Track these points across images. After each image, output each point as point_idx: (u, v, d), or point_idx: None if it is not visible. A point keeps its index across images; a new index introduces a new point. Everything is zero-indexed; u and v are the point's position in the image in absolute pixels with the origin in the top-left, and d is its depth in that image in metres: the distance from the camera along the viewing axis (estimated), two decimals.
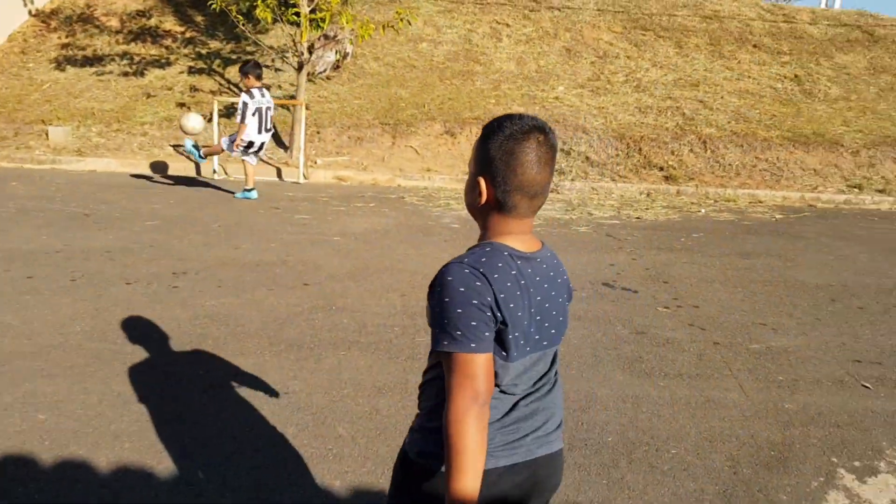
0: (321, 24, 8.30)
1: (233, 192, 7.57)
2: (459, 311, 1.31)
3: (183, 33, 11.79)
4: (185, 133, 7.34)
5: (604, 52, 11.83)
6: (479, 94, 10.55)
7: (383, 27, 8.28)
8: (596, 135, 9.43)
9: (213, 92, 10.38)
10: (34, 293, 4.14)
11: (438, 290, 1.34)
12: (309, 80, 10.66)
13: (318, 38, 10.92)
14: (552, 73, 11.23)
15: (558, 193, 8.50)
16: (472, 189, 1.46)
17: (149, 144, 9.27)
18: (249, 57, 11.14)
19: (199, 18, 12.11)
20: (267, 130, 7.25)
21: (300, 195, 7.72)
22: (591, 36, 12.20)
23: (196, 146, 7.37)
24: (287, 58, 10.42)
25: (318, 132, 9.47)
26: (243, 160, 7.31)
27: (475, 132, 9.55)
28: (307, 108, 8.85)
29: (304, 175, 8.51)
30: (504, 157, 1.39)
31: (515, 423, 1.43)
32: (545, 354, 1.46)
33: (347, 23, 8.15)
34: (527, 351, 1.41)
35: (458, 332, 1.30)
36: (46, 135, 9.32)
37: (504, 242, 1.43)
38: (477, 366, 1.30)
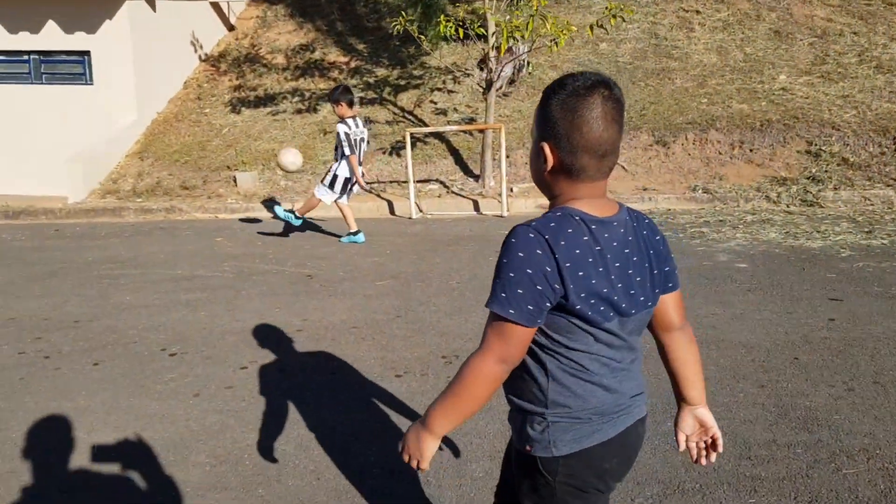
0: (517, 35, 7.19)
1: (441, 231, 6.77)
2: (512, 275, 1.31)
3: (347, 63, 11.35)
4: (284, 169, 6.51)
5: (822, 31, 10.06)
6: (683, 93, 9.19)
7: (591, 27, 7.14)
8: (850, 130, 7.79)
9: (388, 122, 9.77)
10: (307, 402, 3.39)
11: (503, 249, 1.34)
12: (484, 99, 9.81)
13: (492, 52, 10.05)
14: (764, 61, 9.64)
15: (821, 208, 6.97)
16: (536, 157, 1.41)
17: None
18: (418, 81, 10.48)
19: (360, 46, 11.65)
20: (360, 164, 6.33)
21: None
22: (801, 13, 10.44)
23: (289, 210, 6.54)
24: (462, 76, 9.62)
25: (507, 155, 8.53)
26: (337, 203, 6.40)
27: (692, 139, 8.23)
28: (493, 130, 7.96)
29: (506, 207, 7.57)
30: (568, 117, 1.33)
31: (623, 389, 1.43)
32: (631, 321, 1.41)
33: (548, 28, 7.04)
34: (610, 316, 1.37)
35: (504, 295, 1.31)
36: (234, 181, 9.06)
37: (576, 207, 1.36)
38: (512, 332, 1.32)
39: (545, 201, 7.08)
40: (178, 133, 10.34)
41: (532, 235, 1.31)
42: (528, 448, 1.41)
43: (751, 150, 7.87)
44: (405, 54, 11.21)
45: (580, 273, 1.31)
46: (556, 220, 1.33)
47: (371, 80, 10.78)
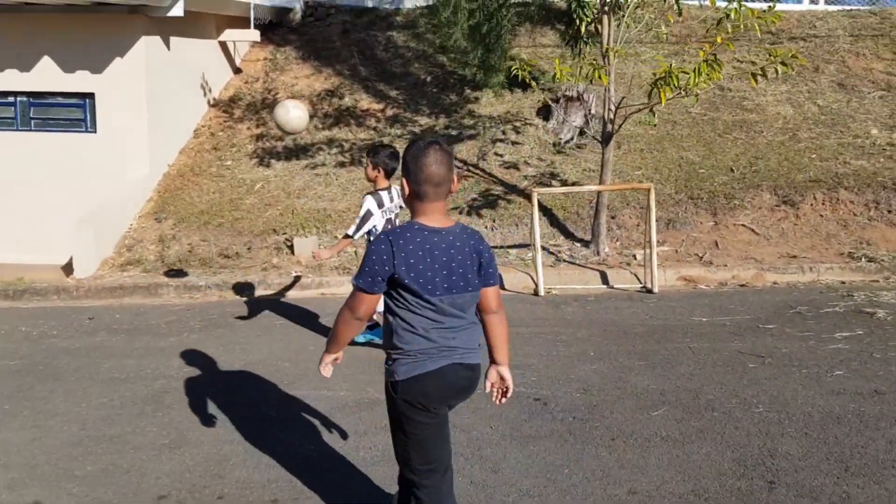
0: (670, 88, 6.12)
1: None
2: (366, 262, 2.30)
3: (383, 111, 10.22)
4: (288, 129, 5.01)
5: (886, 84, 9.84)
6: (782, 148, 8.59)
7: (754, 75, 6.20)
8: None
9: (466, 175, 8.66)
10: None
11: (367, 247, 2.57)
12: (558, 152, 8.91)
13: (559, 100, 9.21)
14: (841, 114, 9.25)
15: None
16: (403, 189, 2.37)
17: None
18: (472, 131, 9.48)
19: (393, 93, 10.56)
20: None
21: (684, 314, 5.76)
22: (859, 66, 10.24)
23: (371, 328, 5.11)
24: (521, 126, 8.70)
25: (613, 216, 7.59)
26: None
27: (821, 199, 7.57)
28: (593, 186, 6.96)
29: (648, 281, 6.50)
30: (415, 161, 2.30)
31: (443, 342, 2.31)
32: (457, 298, 2.31)
33: (693, 81, 6.11)
34: (437, 293, 2.27)
35: (359, 275, 2.31)
36: (289, 248, 7.65)
37: (419, 220, 2.32)
38: (361, 299, 2.31)
39: (688, 271, 5.62)
40: (200, 189, 8.82)
41: (383, 237, 2.30)
42: (386, 376, 2.41)
43: (889, 212, 7.29)
44: (447, 102, 10.21)
45: (411, 260, 2.24)
46: (403, 228, 2.33)
47: (416, 130, 9.68)
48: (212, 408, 4.14)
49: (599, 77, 6.46)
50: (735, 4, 6.29)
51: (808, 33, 10.97)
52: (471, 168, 8.80)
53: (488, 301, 2.42)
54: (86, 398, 4.34)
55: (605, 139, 6.99)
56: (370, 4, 12.53)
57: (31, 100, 8.75)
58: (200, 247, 7.80)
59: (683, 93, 6.19)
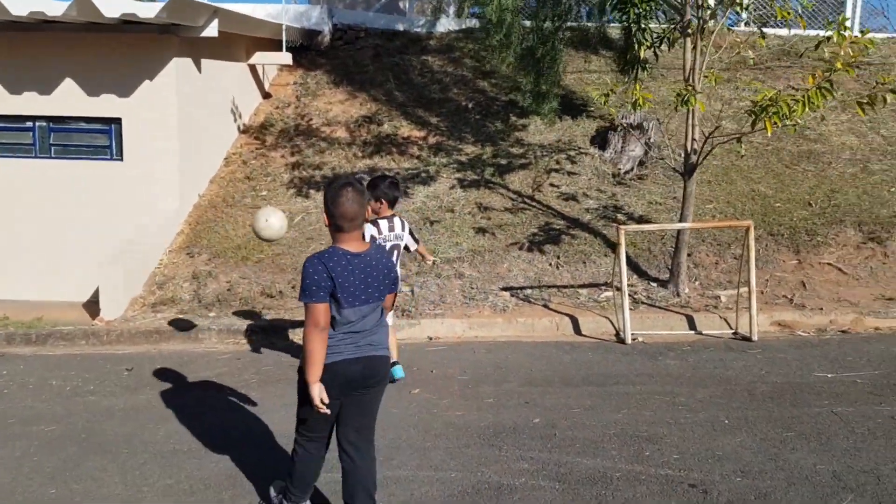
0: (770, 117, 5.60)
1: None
2: (308, 281, 2.74)
3: (425, 138, 9.68)
4: (263, 237, 4.72)
5: None
6: (857, 180, 8.09)
7: (861, 105, 5.73)
8: None
9: (507, 209, 8.09)
10: None
11: (303, 270, 2.79)
12: (618, 183, 8.37)
13: (617, 130, 8.70)
14: None
15: None
16: (326, 222, 2.91)
17: (470, 289, 6.89)
18: (523, 160, 8.95)
19: (434, 119, 10.04)
20: None
21: (802, 369, 5.16)
22: None
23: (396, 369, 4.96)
24: (577, 155, 8.16)
25: (689, 254, 7.02)
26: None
27: None
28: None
29: (741, 327, 5.93)
30: (333, 200, 2.82)
31: (358, 340, 2.86)
32: (373, 307, 2.88)
33: (797, 110, 5.61)
34: (356, 304, 2.81)
35: (306, 293, 2.74)
36: None
37: (340, 246, 2.84)
38: (318, 310, 2.74)
39: (781, 315, 6.27)
40: (235, 221, 8.20)
41: (317, 260, 2.78)
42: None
43: None
44: (492, 129, 9.69)
45: (339, 279, 2.76)
46: (330, 252, 2.81)
47: (463, 159, 9.14)
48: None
49: (685, 103, 5.95)
50: (832, 32, 5.87)
51: (861, 60, 10.57)
52: (526, 200, 8.24)
53: (387, 302, 3.01)
54: (145, 479, 3.67)
55: (689, 171, 6.44)
56: (401, 27, 12.07)
57: (51, 125, 8.12)
58: (240, 284, 7.15)
59: (788, 121, 5.67)
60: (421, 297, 6.75)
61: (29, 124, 8.11)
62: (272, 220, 4.59)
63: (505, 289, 6.79)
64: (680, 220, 6.47)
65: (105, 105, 7.97)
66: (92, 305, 7.44)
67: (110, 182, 7.98)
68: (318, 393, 2.75)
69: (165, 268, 7.60)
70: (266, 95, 10.68)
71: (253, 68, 10.27)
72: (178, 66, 8.01)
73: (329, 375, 2.79)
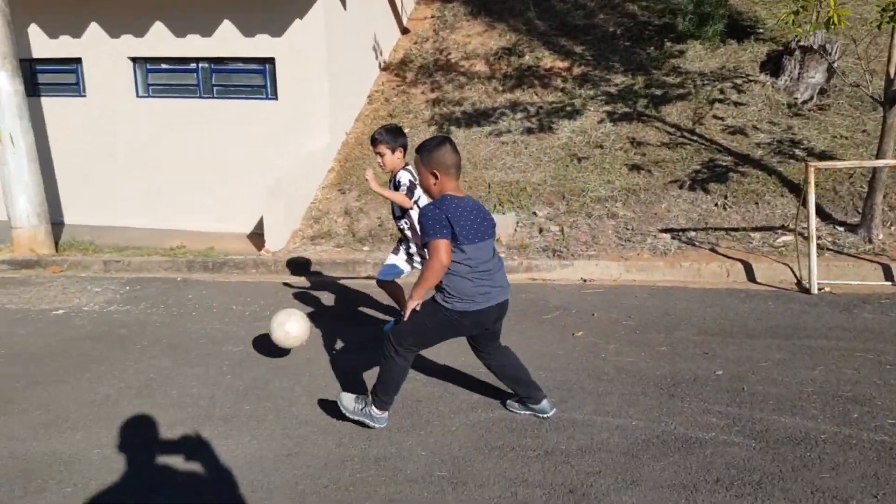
0: None
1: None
2: (430, 223, 3.06)
3: (569, 69, 9.22)
4: (281, 345, 4.21)
5: None
6: None
7: None
8: None
9: (665, 144, 7.58)
10: None
11: (424, 216, 3.09)
12: (795, 114, 7.56)
13: (793, 54, 7.81)
14: None
15: None
16: (426, 179, 3.20)
17: (625, 230, 6.58)
18: (680, 90, 8.29)
19: (578, 49, 9.51)
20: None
21: None
22: None
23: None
24: (744, 84, 7.36)
25: (885, 195, 6.24)
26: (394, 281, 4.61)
27: None
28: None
29: None
30: (438, 153, 3.16)
31: (492, 282, 3.20)
32: (489, 243, 3.21)
33: None
34: (475, 241, 3.12)
35: (431, 231, 3.05)
36: None
37: (449, 193, 3.15)
38: (441, 245, 3.03)
39: None
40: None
41: (433, 206, 3.10)
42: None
43: None
44: (644, 57, 9.04)
45: (455, 217, 3.06)
46: (440, 199, 3.13)
47: (612, 91, 8.62)
48: (496, 434, 3.49)
49: (894, 19, 5.16)
50: None
51: None
52: (685, 134, 7.67)
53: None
54: (335, 403, 3.82)
55: (890, 100, 5.66)
56: None
57: (212, 66, 8.50)
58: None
59: None
60: (571, 238, 6.54)
61: (193, 66, 8.54)
62: (291, 329, 4.11)
63: (665, 230, 6.42)
64: (877, 157, 5.74)
65: (260, 45, 8.20)
66: (255, 237, 7.90)
67: (267, 120, 8.28)
68: (412, 308, 3.23)
69: (320, 203, 7.86)
70: (405, 31, 10.57)
71: (392, 3, 10.15)
72: (325, 5, 8.05)
73: (472, 320, 3.20)
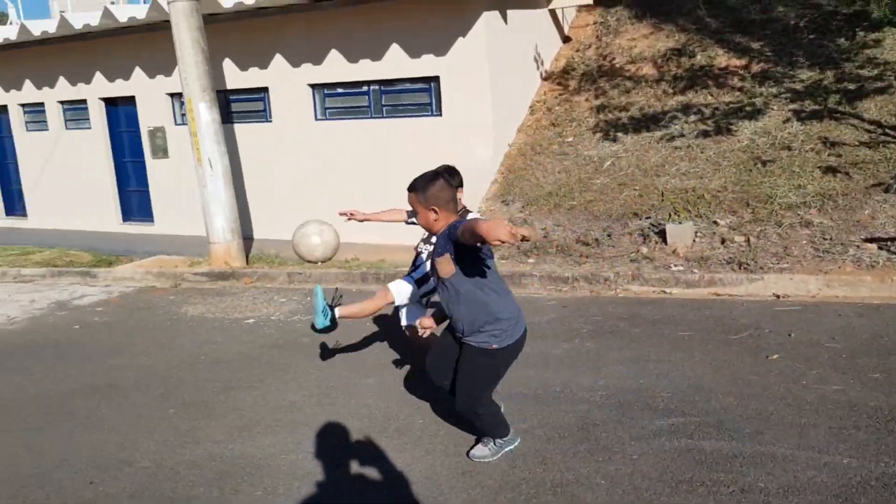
0: None
1: None
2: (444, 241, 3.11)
3: (746, 67, 8.52)
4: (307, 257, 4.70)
5: None
6: None
7: None
8: None
9: (863, 143, 6.73)
10: None
11: (439, 236, 3.16)
12: None
13: None
14: None
15: None
16: (427, 217, 3.14)
17: (822, 240, 5.90)
18: (878, 83, 7.31)
19: (756, 45, 8.76)
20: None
21: None
22: None
23: (329, 308, 4.24)
24: None
25: None
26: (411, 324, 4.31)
27: None
28: None
29: None
30: (433, 190, 3.09)
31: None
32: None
33: None
34: (492, 256, 3.17)
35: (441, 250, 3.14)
36: (657, 235, 6.59)
37: (454, 221, 3.08)
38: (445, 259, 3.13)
39: None
40: (544, 169, 8.19)
41: (447, 230, 3.06)
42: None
43: None
44: (833, 49, 8.12)
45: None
46: (453, 225, 3.02)
47: (798, 87, 7.84)
48: (649, 453, 3.25)
49: None
50: None
51: None
52: (888, 131, 6.77)
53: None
54: (523, 417, 3.76)
55: None
56: None
57: (382, 87, 8.90)
58: (555, 231, 7.13)
59: None
60: (759, 249, 5.98)
61: (364, 89, 9.01)
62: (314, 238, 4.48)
63: (870, 240, 5.67)
64: None
65: (425, 65, 8.45)
66: None
67: (432, 136, 8.51)
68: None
69: (484, 215, 7.91)
70: (566, 39, 10.40)
71: (553, 13, 10.04)
72: (487, 21, 8.12)
73: (514, 350, 3.19)
